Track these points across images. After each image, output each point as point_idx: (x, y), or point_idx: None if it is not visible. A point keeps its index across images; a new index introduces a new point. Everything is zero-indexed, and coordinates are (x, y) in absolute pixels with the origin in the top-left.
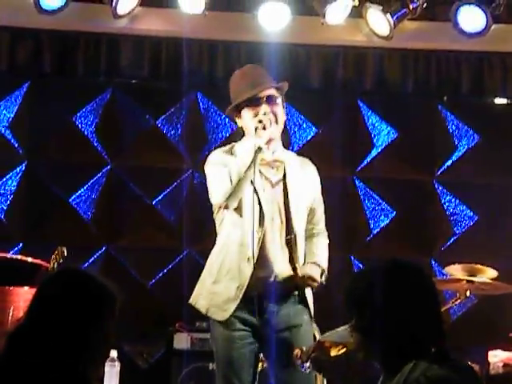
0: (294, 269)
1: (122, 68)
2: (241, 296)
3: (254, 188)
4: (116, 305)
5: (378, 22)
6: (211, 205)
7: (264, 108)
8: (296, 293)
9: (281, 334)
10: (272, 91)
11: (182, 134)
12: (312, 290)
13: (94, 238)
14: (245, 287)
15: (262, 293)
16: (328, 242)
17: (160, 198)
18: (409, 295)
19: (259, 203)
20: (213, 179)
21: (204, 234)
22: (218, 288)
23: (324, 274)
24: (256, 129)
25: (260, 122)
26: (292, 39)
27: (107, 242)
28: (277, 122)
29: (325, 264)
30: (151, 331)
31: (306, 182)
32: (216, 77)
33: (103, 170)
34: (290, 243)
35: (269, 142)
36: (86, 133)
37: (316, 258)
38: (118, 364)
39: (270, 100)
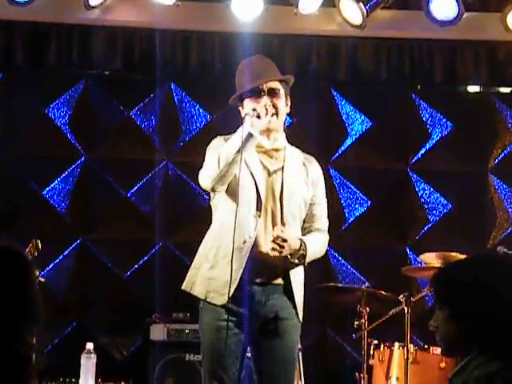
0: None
1: (94, 59)
2: (238, 279)
3: (251, 173)
4: (34, 275)
5: (351, 11)
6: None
7: (265, 100)
8: (282, 283)
9: (267, 326)
10: (275, 84)
11: (156, 125)
12: (289, 262)
13: (69, 230)
14: (241, 270)
15: (252, 279)
16: (325, 239)
17: (135, 189)
18: (508, 287)
19: (256, 189)
20: (204, 164)
21: (179, 226)
22: (215, 273)
23: (303, 249)
24: (246, 115)
25: (254, 110)
26: (265, 29)
27: (82, 234)
28: (277, 114)
29: (309, 244)
30: (127, 323)
31: (305, 177)
32: (190, 67)
33: (77, 162)
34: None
35: (268, 132)
36: (59, 125)
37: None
38: (94, 356)
39: (271, 92)
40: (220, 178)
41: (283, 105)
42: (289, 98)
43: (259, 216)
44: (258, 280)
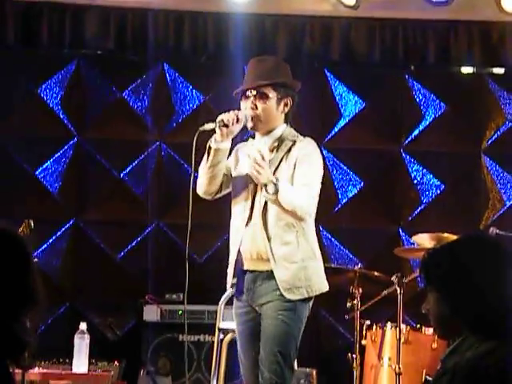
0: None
1: (87, 39)
2: (233, 268)
3: (240, 170)
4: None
5: None
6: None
7: (249, 103)
8: (266, 269)
9: (260, 311)
10: (265, 88)
11: (148, 105)
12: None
13: (62, 211)
14: (234, 260)
15: (245, 268)
16: (301, 191)
17: (127, 170)
18: (495, 268)
19: (251, 190)
20: None
21: (172, 207)
22: (227, 263)
23: (274, 183)
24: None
25: (221, 120)
26: (259, 9)
27: (75, 216)
28: (260, 116)
29: (281, 183)
30: (121, 303)
31: (286, 165)
32: (183, 48)
33: (70, 143)
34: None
35: (256, 131)
36: (51, 105)
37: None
38: (87, 336)
39: (258, 96)
40: (205, 186)
41: (271, 108)
42: (287, 101)
43: (248, 212)
44: (248, 268)
